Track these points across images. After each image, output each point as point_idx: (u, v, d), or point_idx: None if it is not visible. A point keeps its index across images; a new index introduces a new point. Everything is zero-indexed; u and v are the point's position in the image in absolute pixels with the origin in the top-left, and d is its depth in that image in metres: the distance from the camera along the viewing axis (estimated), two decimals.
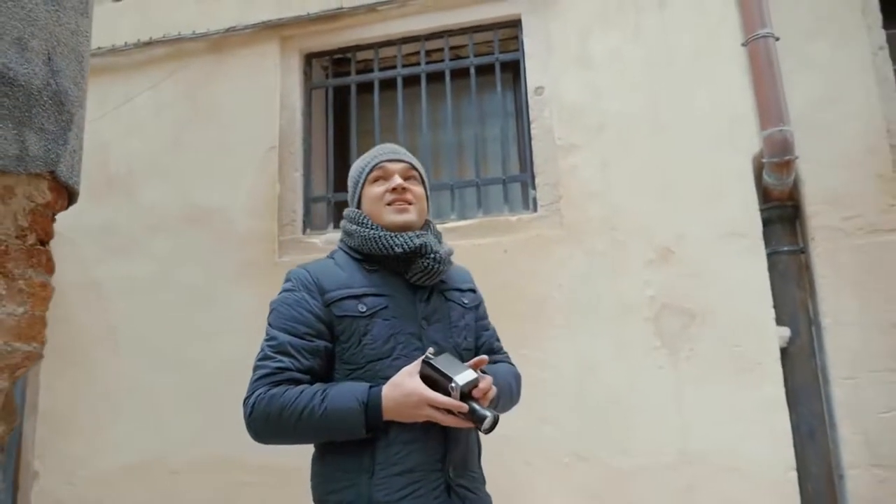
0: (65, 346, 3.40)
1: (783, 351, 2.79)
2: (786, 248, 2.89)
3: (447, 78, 3.47)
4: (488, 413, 1.29)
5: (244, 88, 3.59)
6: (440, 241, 1.63)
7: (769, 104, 2.87)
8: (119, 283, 3.47)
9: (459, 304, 1.61)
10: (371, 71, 3.62)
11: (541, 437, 2.85)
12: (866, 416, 2.67)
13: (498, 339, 1.74)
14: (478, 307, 1.70)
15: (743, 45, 2.99)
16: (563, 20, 3.26)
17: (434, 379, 1.33)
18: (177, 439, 3.26)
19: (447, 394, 1.31)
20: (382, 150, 1.66)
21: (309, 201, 3.53)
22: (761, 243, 2.85)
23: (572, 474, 2.83)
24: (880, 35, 2.95)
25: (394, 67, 3.58)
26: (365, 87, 3.64)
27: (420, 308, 1.52)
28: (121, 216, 3.56)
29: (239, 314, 3.31)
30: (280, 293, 1.53)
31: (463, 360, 1.44)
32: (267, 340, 1.46)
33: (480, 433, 1.35)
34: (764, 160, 2.86)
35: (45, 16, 1.24)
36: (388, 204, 1.56)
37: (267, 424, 1.39)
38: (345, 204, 3.55)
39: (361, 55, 3.69)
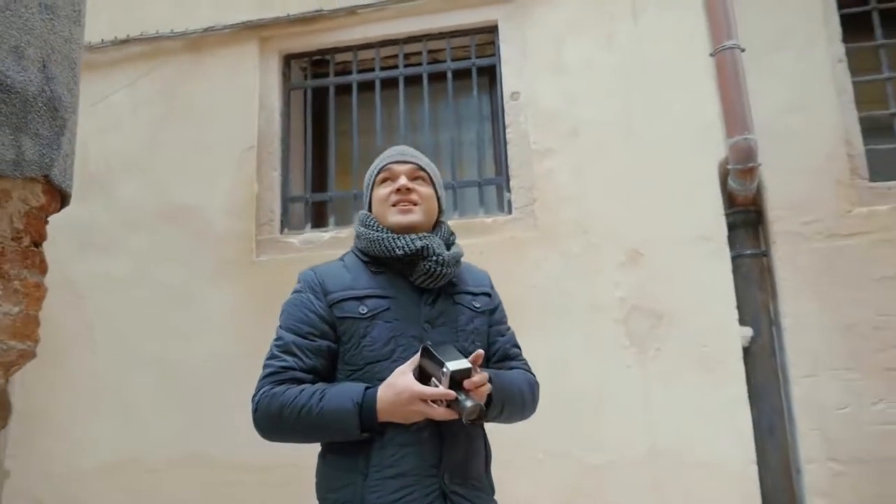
0: (41, 344, 3.38)
1: (745, 350, 2.90)
2: (749, 252, 3.01)
3: (425, 81, 3.53)
4: (470, 402, 1.29)
5: (222, 88, 3.61)
6: (453, 243, 1.62)
7: (735, 113, 2.99)
8: (96, 281, 3.47)
9: (469, 308, 1.58)
10: (350, 73, 3.66)
11: (518, 435, 2.91)
12: (823, 413, 2.80)
13: (516, 346, 1.70)
14: (493, 312, 1.65)
15: (711, 55, 3.10)
16: (539, 27, 3.35)
17: (428, 374, 1.34)
18: (155, 438, 3.27)
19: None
20: (391, 152, 1.67)
21: (287, 201, 3.56)
22: (726, 247, 2.96)
23: (546, 471, 2.91)
24: (840, 48, 3.08)
25: (372, 70, 3.63)
26: (343, 89, 3.68)
27: (425, 311, 1.51)
28: (98, 214, 3.55)
29: (216, 313, 3.34)
30: (290, 294, 1.56)
31: None
32: (275, 340, 1.50)
33: (463, 422, 1.34)
34: (729, 167, 2.97)
35: (40, 24, 1.28)
36: (393, 205, 1.56)
37: (270, 422, 1.43)
38: (322, 205, 3.63)
39: (340, 57, 3.73)
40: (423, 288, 1.53)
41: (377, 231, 1.54)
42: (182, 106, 3.63)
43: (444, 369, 1.29)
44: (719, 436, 2.80)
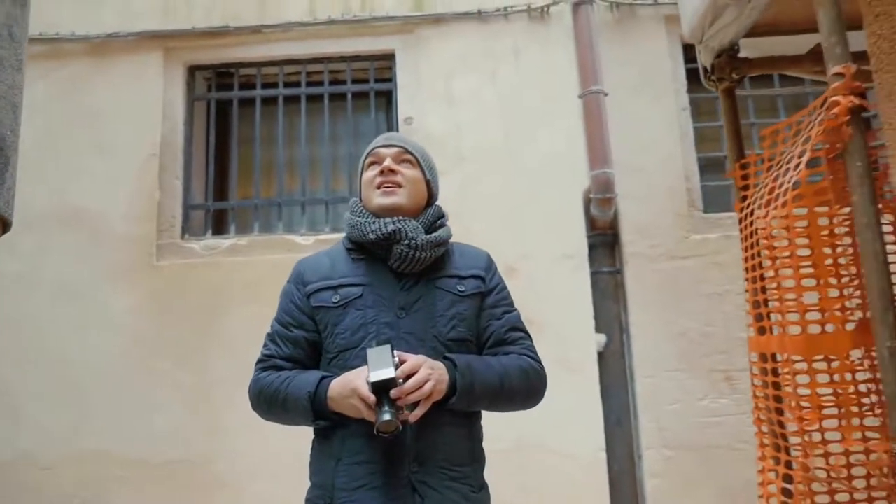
0: None
1: (600, 354, 3.38)
2: (605, 269, 3.49)
3: (326, 101, 3.78)
4: (385, 416, 1.27)
5: (125, 95, 3.69)
6: (441, 226, 1.57)
7: (597, 149, 3.45)
8: None
9: (451, 292, 1.52)
10: (254, 87, 3.84)
11: None
12: (659, 408, 3.32)
13: (515, 330, 1.59)
14: (484, 295, 1.57)
15: (579, 97, 3.55)
16: (432, 60, 3.68)
17: None
18: (47, 436, 3.33)
19: None
20: (379, 138, 1.65)
21: (188, 208, 3.70)
22: (587, 265, 3.42)
23: None
24: (685, 98, 3.64)
25: (276, 86, 3.82)
26: (247, 101, 3.85)
27: (400, 297, 1.49)
28: None
29: (113, 313, 3.45)
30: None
31: (450, 351, 1.45)
32: (269, 328, 1.58)
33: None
34: (591, 195, 3.44)
35: None
36: (378, 187, 1.54)
37: (256, 404, 1.51)
38: (223, 212, 3.79)
39: (244, 71, 3.90)
40: (403, 273, 1.51)
41: (359, 216, 1.54)
42: (82, 110, 3.68)
43: (368, 378, 1.30)
44: (575, 427, 3.24)
